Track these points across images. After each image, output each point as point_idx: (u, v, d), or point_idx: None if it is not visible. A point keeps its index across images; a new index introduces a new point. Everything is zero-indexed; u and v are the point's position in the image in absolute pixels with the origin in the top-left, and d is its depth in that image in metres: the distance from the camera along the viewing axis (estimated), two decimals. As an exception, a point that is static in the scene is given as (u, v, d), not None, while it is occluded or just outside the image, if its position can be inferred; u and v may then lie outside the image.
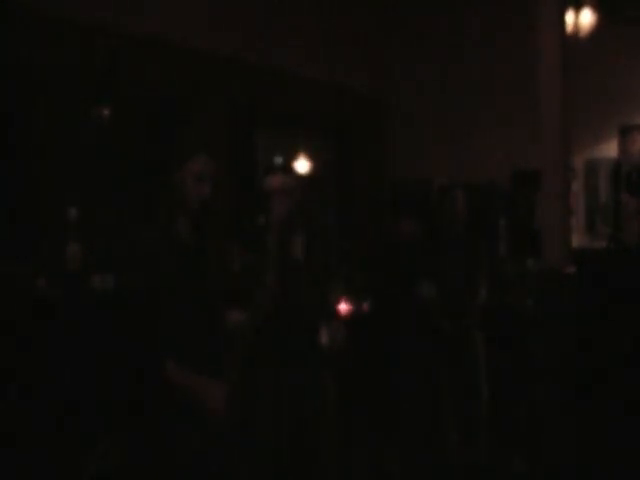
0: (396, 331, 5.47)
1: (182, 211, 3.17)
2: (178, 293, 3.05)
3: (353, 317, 5.61)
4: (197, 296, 3.11)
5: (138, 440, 3.63)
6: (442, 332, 5.14)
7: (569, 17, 6.34)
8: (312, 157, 7.65)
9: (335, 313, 4.12)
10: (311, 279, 4.03)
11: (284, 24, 7.02)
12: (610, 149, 7.55)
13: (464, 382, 5.22)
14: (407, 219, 5.72)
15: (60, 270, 4.60)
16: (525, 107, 6.85)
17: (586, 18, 6.47)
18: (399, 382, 5.49)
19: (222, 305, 3.33)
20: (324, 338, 3.97)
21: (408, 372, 5.42)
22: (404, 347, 5.47)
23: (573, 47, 6.24)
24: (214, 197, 3.21)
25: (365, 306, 5.89)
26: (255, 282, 3.94)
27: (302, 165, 7.62)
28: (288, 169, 4.77)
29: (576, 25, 6.43)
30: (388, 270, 5.61)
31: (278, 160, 7.65)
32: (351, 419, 5.09)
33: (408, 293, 5.30)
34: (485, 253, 5.43)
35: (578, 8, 6.44)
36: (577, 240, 7.12)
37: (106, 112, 5.37)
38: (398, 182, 8.11)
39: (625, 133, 7.50)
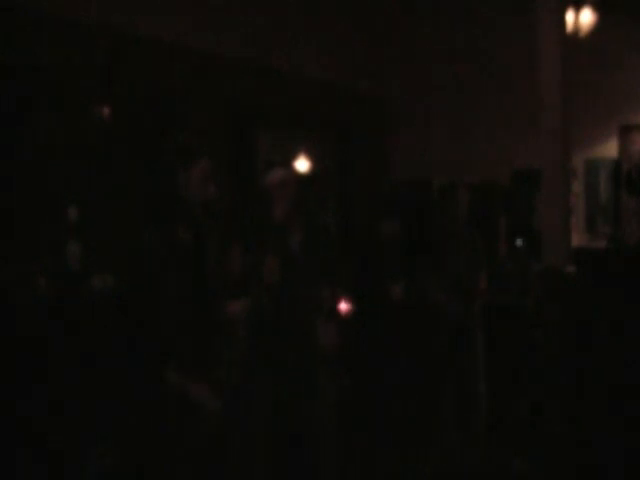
0: (378, 331, 5.50)
1: (184, 211, 3.17)
2: (178, 293, 3.05)
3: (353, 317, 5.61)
4: (197, 296, 3.11)
5: (137, 440, 3.63)
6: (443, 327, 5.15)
7: (569, 17, 6.34)
8: (312, 157, 7.65)
9: (329, 312, 4.12)
10: (309, 277, 4.03)
11: (284, 24, 7.02)
12: (610, 149, 7.55)
13: (463, 382, 5.22)
14: (389, 219, 5.75)
15: (60, 270, 4.60)
16: (525, 107, 6.85)
17: (586, 18, 6.47)
18: (396, 381, 5.49)
19: (222, 304, 3.33)
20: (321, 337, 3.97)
21: (404, 372, 5.43)
22: (393, 348, 5.49)
23: (573, 47, 6.24)
24: (215, 197, 3.22)
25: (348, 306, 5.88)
26: (255, 282, 3.94)
27: (302, 165, 7.62)
28: (287, 165, 4.78)
29: (576, 25, 6.43)
30: (368, 270, 5.63)
31: (278, 160, 7.66)
32: (350, 419, 5.09)
33: (384, 294, 5.35)
34: (485, 252, 5.43)
35: (578, 8, 6.44)
36: (577, 240, 7.12)
37: (106, 112, 5.38)
38: (398, 182, 8.11)
39: (625, 133, 7.51)
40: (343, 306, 5.40)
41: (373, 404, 5.54)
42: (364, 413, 5.44)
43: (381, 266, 5.59)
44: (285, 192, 4.00)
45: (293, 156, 7.56)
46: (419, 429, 5.33)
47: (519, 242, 5.65)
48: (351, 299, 4.60)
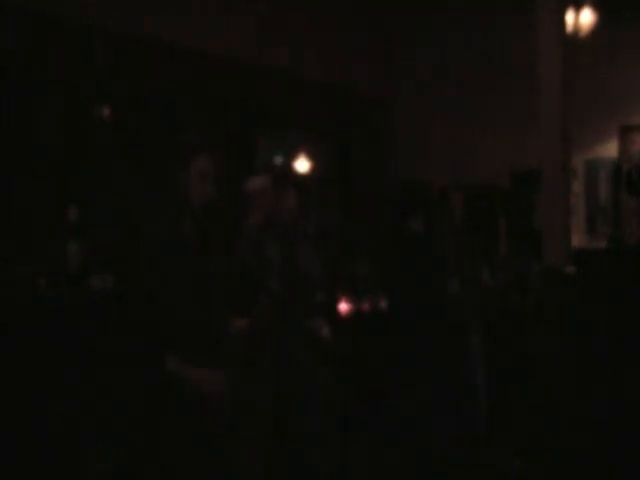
0: (417, 330, 5.44)
1: (187, 210, 3.17)
2: (181, 291, 3.05)
3: (354, 316, 5.61)
4: (200, 294, 3.11)
5: (139, 440, 3.63)
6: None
7: (569, 17, 6.34)
8: (312, 157, 7.65)
9: (317, 311, 4.15)
10: (295, 282, 4.07)
11: (284, 24, 7.02)
12: (610, 149, 7.55)
13: (463, 382, 5.22)
14: (414, 218, 5.73)
15: (60, 270, 4.60)
16: (525, 107, 6.85)
17: (586, 18, 6.47)
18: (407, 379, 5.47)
19: (225, 304, 3.33)
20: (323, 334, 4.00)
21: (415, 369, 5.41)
22: (420, 346, 5.45)
23: (573, 47, 6.23)
24: (216, 196, 3.22)
25: (367, 306, 5.87)
26: (255, 282, 3.95)
27: (302, 165, 7.62)
28: (279, 172, 4.82)
29: (576, 25, 6.43)
30: (403, 268, 5.59)
31: (278, 160, 7.66)
32: (351, 417, 5.09)
33: (428, 290, 5.30)
34: (485, 253, 5.43)
35: (578, 8, 6.44)
36: (577, 240, 7.12)
37: (106, 112, 5.38)
38: (398, 182, 8.11)
39: (625, 133, 7.50)
40: (343, 306, 5.41)
41: (374, 403, 5.54)
42: (365, 412, 5.44)
43: (422, 263, 5.52)
44: (263, 200, 4.10)
45: (293, 156, 7.56)
46: (420, 427, 5.33)
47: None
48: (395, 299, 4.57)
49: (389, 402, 5.40)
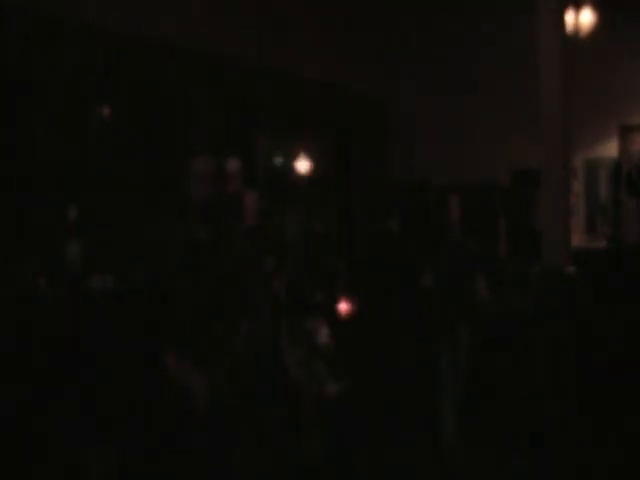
0: (392, 327, 5.47)
1: (187, 210, 3.18)
2: (181, 290, 3.05)
3: (353, 315, 5.61)
4: (200, 293, 3.12)
5: (138, 439, 3.63)
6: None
7: (569, 17, 6.34)
8: (312, 157, 7.66)
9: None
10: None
11: (284, 24, 7.03)
12: (610, 149, 7.56)
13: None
14: (391, 219, 5.75)
15: (60, 270, 4.60)
16: (525, 107, 6.86)
17: (586, 18, 6.47)
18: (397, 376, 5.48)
19: (226, 303, 3.34)
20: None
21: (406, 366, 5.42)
22: (402, 342, 5.47)
23: (573, 47, 6.24)
24: (210, 198, 3.22)
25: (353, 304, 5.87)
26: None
27: (302, 165, 7.63)
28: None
29: (576, 25, 6.43)
30: (377, 267, 5.62)
31: (278, 160, 7.67)
32: (352, 416, 5.09)
33: (401, 288, 5.32)
34: (484, 253, 5.43)
35: (578, 8, 6.44)
36: (577, 240, 7.12)
37: (106, 112, 5.38)
38: (398, 182, 8.12)
39: (625, 133, 7.51)
40: (343, 306, 5.41)
41: (373, 400, 5.54)
42: (364, 410, 5.44)
43: (403, 260, 5.54)
44: (237, 177, 4.16)
45: (293, 156, 7.57)
46: (418, 422, 5.33)
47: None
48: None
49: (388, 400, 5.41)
